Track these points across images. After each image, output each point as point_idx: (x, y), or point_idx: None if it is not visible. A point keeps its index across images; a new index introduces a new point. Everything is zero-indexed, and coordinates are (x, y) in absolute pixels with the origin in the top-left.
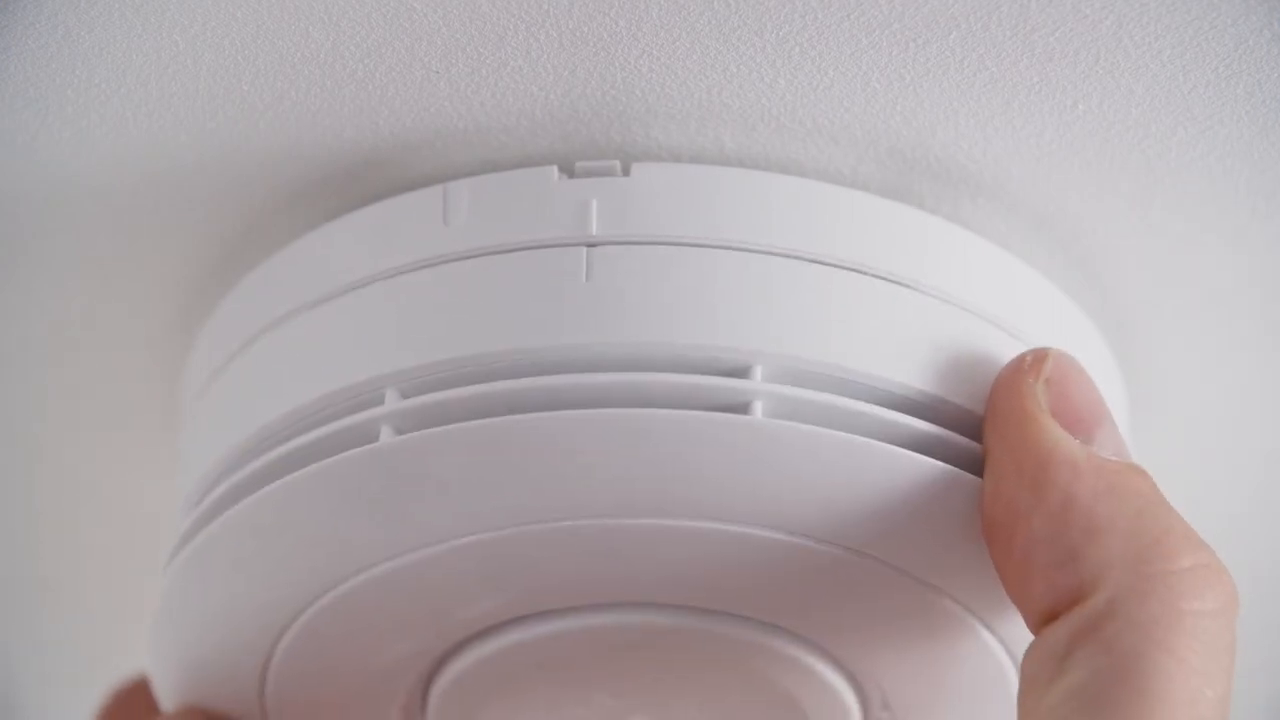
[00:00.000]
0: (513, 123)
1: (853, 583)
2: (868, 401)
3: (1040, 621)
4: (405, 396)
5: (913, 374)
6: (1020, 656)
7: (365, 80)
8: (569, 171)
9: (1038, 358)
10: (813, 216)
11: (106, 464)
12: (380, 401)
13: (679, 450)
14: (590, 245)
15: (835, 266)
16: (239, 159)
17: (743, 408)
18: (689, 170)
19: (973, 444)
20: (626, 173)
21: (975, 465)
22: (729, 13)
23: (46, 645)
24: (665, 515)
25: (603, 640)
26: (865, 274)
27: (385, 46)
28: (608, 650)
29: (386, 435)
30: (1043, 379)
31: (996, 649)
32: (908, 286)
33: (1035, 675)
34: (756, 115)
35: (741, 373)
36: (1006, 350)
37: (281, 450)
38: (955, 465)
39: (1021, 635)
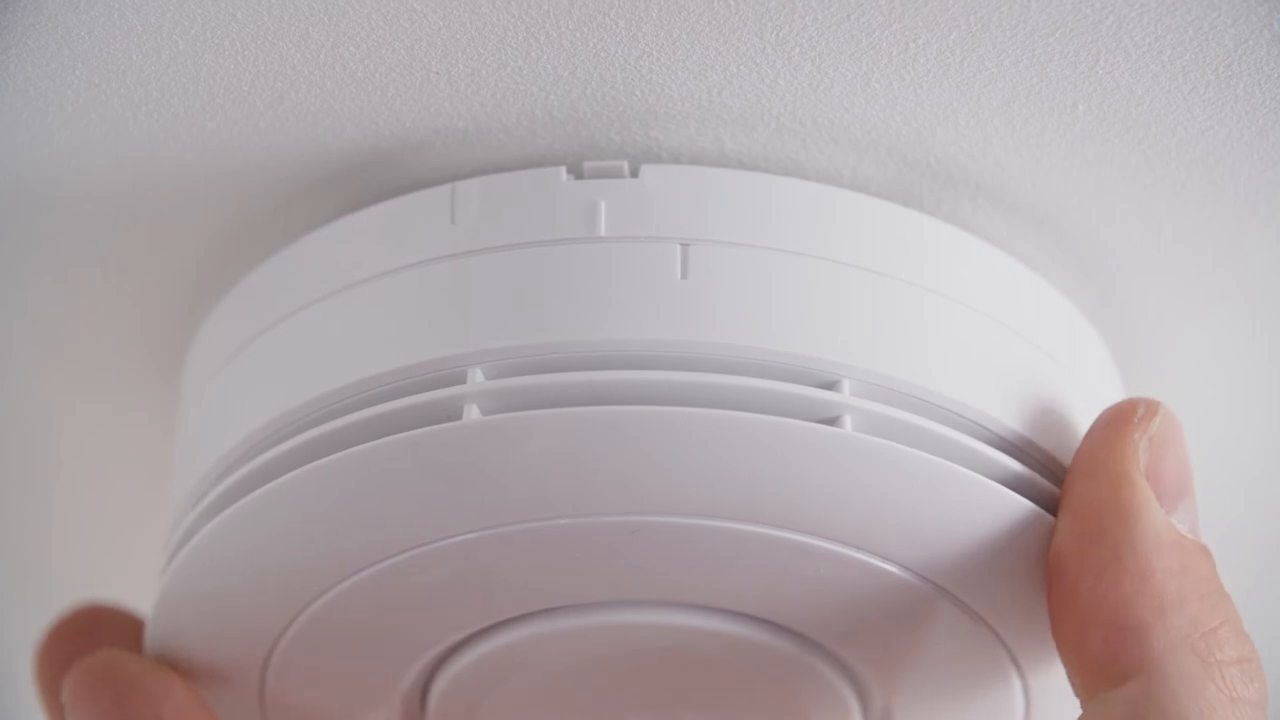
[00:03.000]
0: (513, 122)
1: (905, 607)
2: (956, 430)
3: (1088, 681)
4: (490, 377)
5: (1000, 409)
6: (1035, 703)
7: (365, 81)
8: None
9: (1149, 412)
10: (878, 232)
11: (106, 462)
12: (462, 380)
13: (766, 457)
14: (684, 243)
15: (909, 284)
16: (239, 159)
17: (833, 420)
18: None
19: (1052, 488)
20: (635, 174)
21: (1053, 508)
22: (729, 13)
23: None
24: (739, 520)
25: (620, 640)
26: (944, 297)
27: (385, 47)
28: (622, 650)
29: (472, 414)
30: (1148, 436)
31: (1018, 692)
32: (990, 317)
33: None
34: (756, 116)
35: (829, 385)
36: (1075, 393)
37: (343, 422)
38: (1040, 506)
39: (1046, 683)
